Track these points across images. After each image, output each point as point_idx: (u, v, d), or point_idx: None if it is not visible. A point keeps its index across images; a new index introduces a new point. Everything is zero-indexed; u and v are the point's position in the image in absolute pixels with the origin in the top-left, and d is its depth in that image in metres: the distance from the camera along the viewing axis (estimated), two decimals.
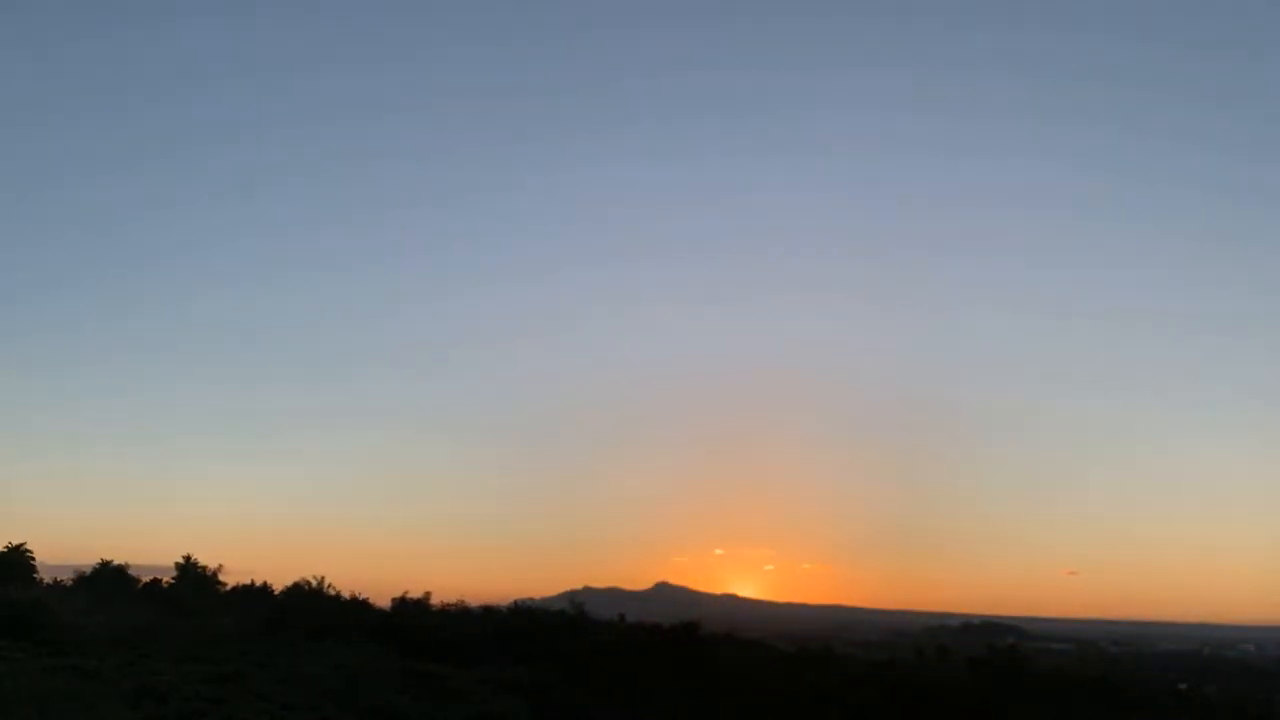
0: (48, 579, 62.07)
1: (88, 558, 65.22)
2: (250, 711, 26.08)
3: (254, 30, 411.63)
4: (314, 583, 62.15)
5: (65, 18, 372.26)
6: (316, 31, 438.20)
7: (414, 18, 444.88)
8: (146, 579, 64.49)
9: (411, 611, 60.32)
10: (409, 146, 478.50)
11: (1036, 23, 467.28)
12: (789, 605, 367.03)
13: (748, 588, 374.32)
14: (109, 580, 59.77)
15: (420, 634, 51.73)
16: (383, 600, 63.13)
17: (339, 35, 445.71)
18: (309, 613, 54.03)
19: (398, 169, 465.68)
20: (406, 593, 63.13)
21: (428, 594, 63.21)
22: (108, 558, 62.53)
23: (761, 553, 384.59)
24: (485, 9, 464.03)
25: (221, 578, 67.49)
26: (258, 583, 67.23)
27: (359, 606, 60.71)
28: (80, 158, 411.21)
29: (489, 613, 63.68)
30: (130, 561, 63.00)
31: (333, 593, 61.89)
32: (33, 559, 62.71)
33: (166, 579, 65.78)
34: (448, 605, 63.25)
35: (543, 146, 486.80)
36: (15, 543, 62.72)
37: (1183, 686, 70.19)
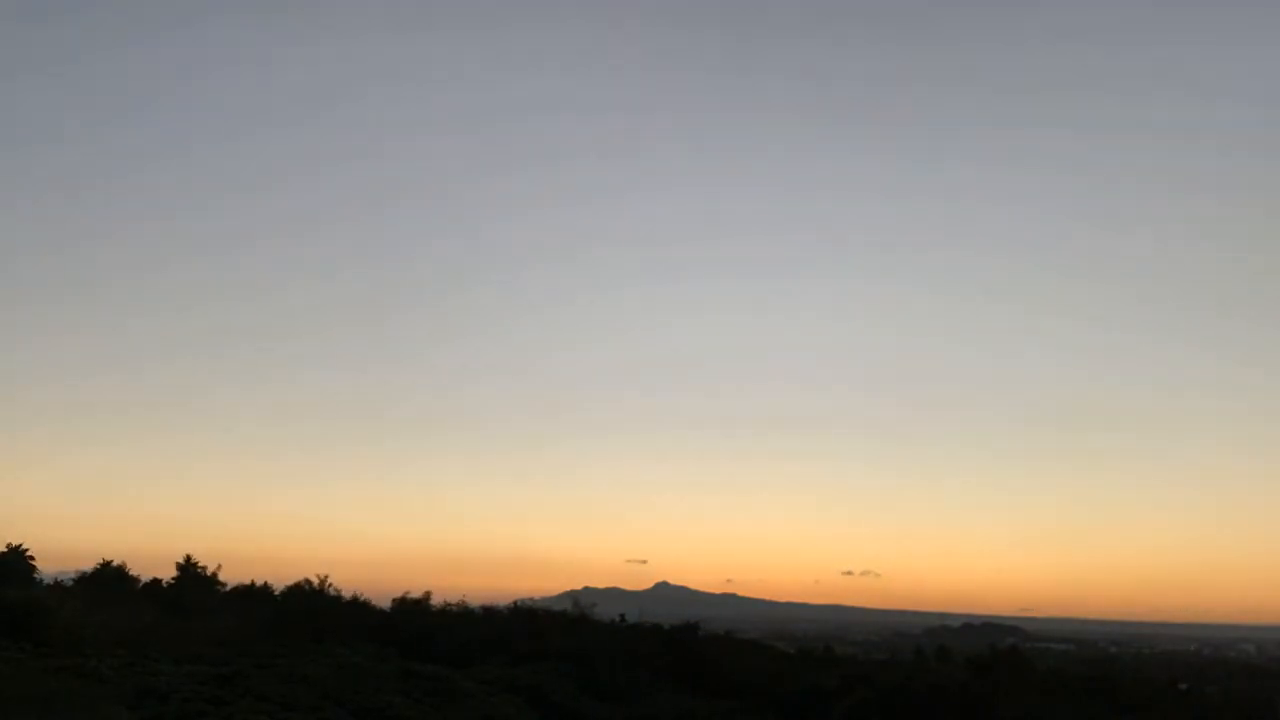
0: (48, 579, 61.94)
1: (88, 558, 65.10)
2: (250, 712, 26.07)
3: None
4: (314, 583, 62.12)
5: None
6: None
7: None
8: (146, 579, 64.33)
9: (411, 611, 60.26)
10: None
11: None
12: (789, 605, 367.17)
13: (748, 587, 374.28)
14: (109, 580, 59.59)
15: (420, 634, 51.70)
16: (383, 600, 63.12)
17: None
18: (309, 613, 53.96)
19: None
20: (406, 593, 63.10)
21: (428, 594, 63.18)
22: (108, 558, 62.43)
23: (760, 552, 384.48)
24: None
25: (221, 578, 67.35)
26: (258, 583, 67.17)
27: (359, 606, 60.64)
28: (81, 155, 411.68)
29: (489, 613, 63.62)
30: (130, 561, 62.82)
31: (333, 593, 61.83)
32: (32, 559, 62.60)
33: (166, 579, 65.64)
34: (448, 605, 63.20)
35: (544, 141, 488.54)
36: (14, 543, 62.63)
37: (1183, 686, 70.14)
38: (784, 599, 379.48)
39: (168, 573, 66.19)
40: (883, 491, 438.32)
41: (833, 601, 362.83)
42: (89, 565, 62.08)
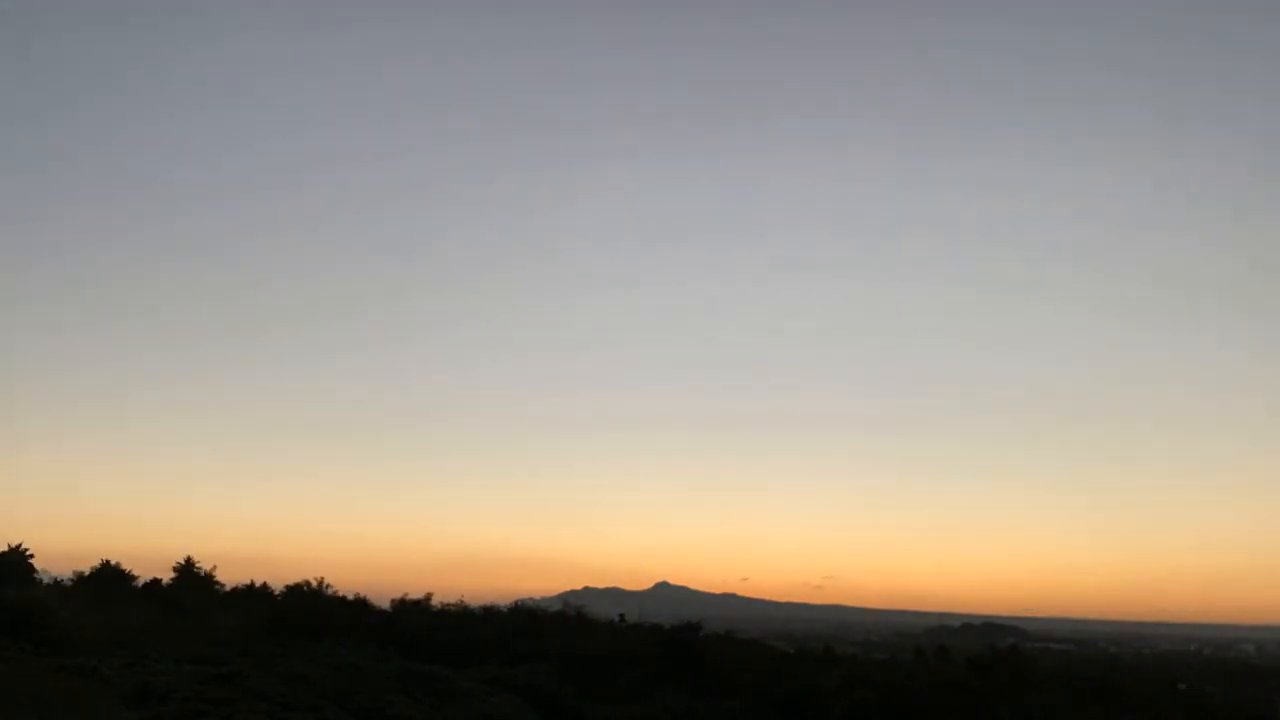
0: (47, 579, 61.95)
1: (88, 558, 65.09)
2: (250, 712, 26.06)
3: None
4: (314, 583, 62.17)
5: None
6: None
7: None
8: (146, 579, 64.32)
9: (411, 611, 60.27)
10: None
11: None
12: (789, 605, 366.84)
13: (748, 587, 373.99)
14: (109, 580, 59.61)
15: (420, 634, 51.71)
16: (383, 600, 63.13)
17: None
18: (309, 613, 53.98)
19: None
20: (406, 593, 63.13)
21: (428, 594, 63.22)
22: (108, 558, 62.41)
23: (760, 552, 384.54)
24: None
25: (220, 578, 67.38)
26: (257, 583, 67.20)
27: (359, 607, 60.67)
28: (83, 154, 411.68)
29: (489, 613, 63.61)
30: (130, 561, 62.82)
31: (333, 593, 61.88)
32: (32, 559, 62.60)
33: (166, 579, 65.64)
34: (448, 605, 63.22)
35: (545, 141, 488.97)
36: (14, 543, 62.65)
37: (1183, 686, 70.21)
38: (784, 599, 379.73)
39: (167, 573, 66.22)
40: (883, 492, 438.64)
41: (833, 602, 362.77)
42: (89, 565, 62.10)
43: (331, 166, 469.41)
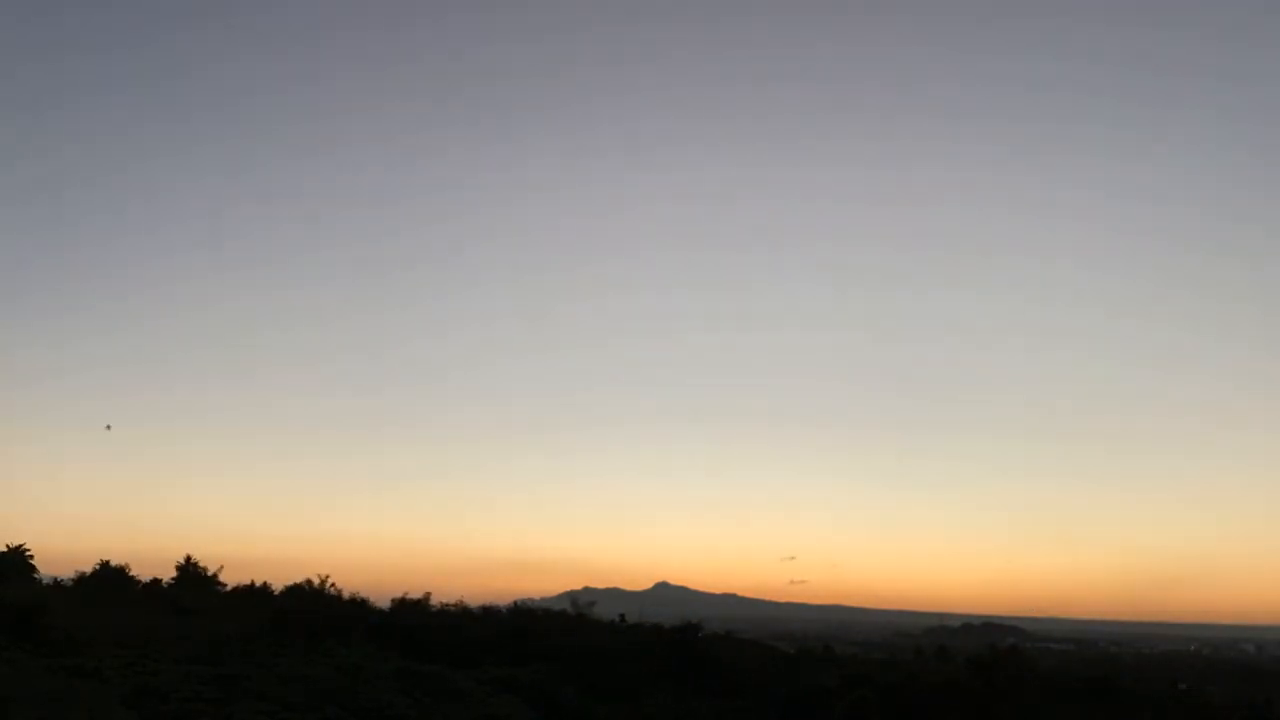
0: (47, 579, 61.98)
1: (88, 558, 65.11)
2: (250, 711, 26.07)
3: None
4: (314, 583, 62.10)
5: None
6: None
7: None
8: (146, 579, 64.31)
9: (411, 611, 60.19)
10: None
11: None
12: (789, 605, 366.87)
13: (748, 587, 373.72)
14: (109, 580, 59.61)
15: (420, 634, 51.63)
16: (383, 600, 63.04)
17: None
18: (309, 613, 53.90)
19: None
20: (406, 593, 63.01)
21: (428, 594, 63.11)
22: (107, 558, 62.42)
23: (760, 552, 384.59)
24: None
25: (221, 578, 67.35)
26: (258, 583, 67.13)
27: (359, 606, 60.58)
28: (83, 155, 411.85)
29: (489, 613, 63.52)
30: (130, 561, 62.83)
31: (333, 593, 61.78)
32: (32, 559, 62.64)
33: (166, 579, 65.61)
34: (448, 605, 63.13)
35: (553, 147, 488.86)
36: (15, 543, 62.71)
37: (1183, 686, 70.09)
38: (784, 599, 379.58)
39: (168, 573, 66.21)
40: (884, 492, 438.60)
41: (833, 601, 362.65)
42: (89, 565, 62.11)
43: (331, 175, 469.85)
